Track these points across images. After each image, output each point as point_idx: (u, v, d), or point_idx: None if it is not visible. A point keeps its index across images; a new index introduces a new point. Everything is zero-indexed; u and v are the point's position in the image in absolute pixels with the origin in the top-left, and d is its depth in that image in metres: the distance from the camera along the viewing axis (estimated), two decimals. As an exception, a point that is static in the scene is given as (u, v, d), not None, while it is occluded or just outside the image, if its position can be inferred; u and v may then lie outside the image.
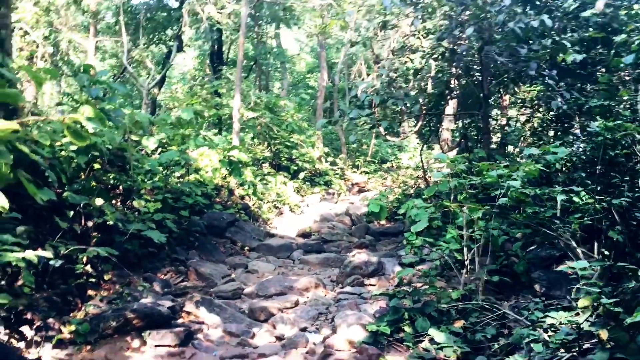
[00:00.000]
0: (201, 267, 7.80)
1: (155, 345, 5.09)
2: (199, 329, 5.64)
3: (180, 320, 5.85)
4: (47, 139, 3.75)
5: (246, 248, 9.53)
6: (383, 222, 13.17)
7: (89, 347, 4.98)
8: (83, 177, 7.04)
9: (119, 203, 8.32)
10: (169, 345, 5.12)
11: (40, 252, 4.95)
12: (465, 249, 5.97)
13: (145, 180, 8.61)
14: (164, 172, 8.95)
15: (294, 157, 15.22)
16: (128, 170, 8.34)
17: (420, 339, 4.89)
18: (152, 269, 7.50)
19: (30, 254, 4.78)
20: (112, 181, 8.13)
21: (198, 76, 22.02)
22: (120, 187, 8.38)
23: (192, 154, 11.71)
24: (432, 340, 4.77)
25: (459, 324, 4.88)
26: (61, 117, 3.69)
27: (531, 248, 7.41)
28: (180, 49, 20.17)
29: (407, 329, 5.05)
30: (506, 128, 14.62)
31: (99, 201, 6.71)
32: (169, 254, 7.99)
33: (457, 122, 17.58)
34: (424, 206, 5.92)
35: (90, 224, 7.10)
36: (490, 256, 6.02)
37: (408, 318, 5.13)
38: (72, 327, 5.09)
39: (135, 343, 5.09)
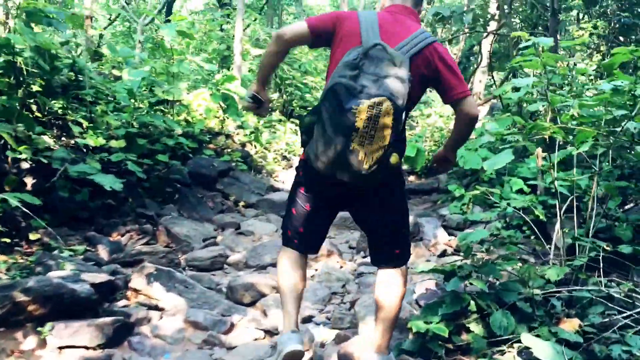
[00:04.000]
0: (175, 226, 5.81)
1: (61, 347, 3.11)
2: (145, 317, 3.66)
3: (121, 303, 3.88)
4: None
5: (241, 204, 7.51)
6: (412, 177, 11.09)
7: (-55, 350, 3.03)
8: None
9: (72, 140, 6.34)
10: (86, 347, 3.14)
11: None
12: (557, 205, 3.83)
13: (108, 111, 6.58)
14: (134, 102, 6.87)
15: (307, 103, 13.07)
16: (85, 98, 6.35)
17: (502, 348, 2.84)
18: (106, 226, 5.53)
19: None
20: (59, 110, 6.14)
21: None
22: (74, 118, 6.40)
23: (187, 97, 9.69)
24: (524, 351, 2.74)
25: (571, 325, 2.81)
26: None
27: (628, 206, 5.34)
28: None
29: (476, 328, 2.99)
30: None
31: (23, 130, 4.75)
32: (134, 207, 6.00)
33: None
34: (498, 133, 3.69)
35: (25, 165, 5.17)
36: (578, 216, 3.92)
37: (477, 310, 3.08)
38: None
39: (30, 342, 3.11)
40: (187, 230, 5.79)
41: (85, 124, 5.95)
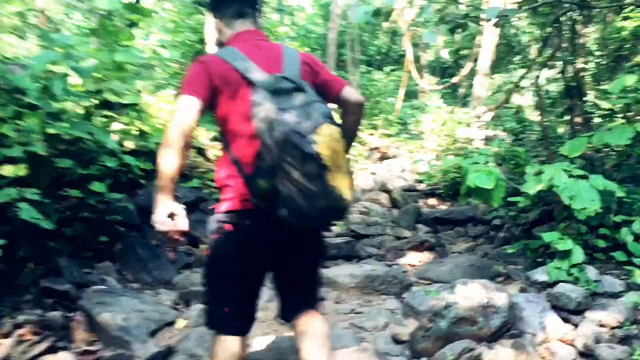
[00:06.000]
0: (104, 310, 3.45)
1: None
2: None
3: None
4: None
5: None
6: (433, 200, 8.86)
7: None
8: None
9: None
10: None
11: None
12: None
13: (6, 117, 4.22)
14: (52, 102, 4.48)
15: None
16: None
17: None
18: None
19: None
20: None
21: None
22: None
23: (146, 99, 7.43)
24: None
25: None
26: None
27: None
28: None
29: None
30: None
31: None
32: (37, 277, 3.64)
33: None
34: None
35: None
36: None
37: None
38: None
39: None
40: (124, 316, 3.45)
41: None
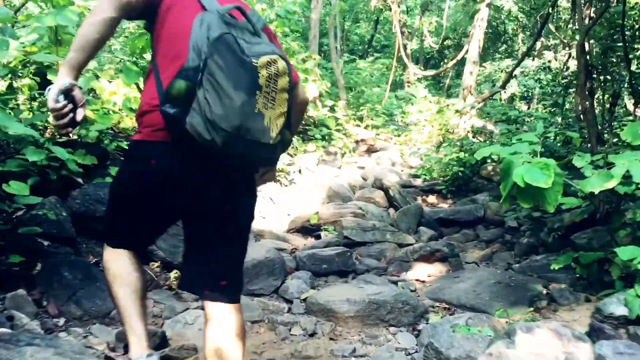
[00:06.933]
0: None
1: None
2: None
3: None
4: None
5: (174, 273, 4.03)
6: (433, 198, 7.82)
7: None
8: None
9: None
10: None
11: None
12: None
13: None
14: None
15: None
16: None
17: None
18: None
19: None
20: None
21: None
22: None
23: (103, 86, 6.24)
24: None
25: None
26: None
27: None
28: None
29: None
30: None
31: None
32: None
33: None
34: None
35: None
36: None
37: None
38: None
39: None
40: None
41: None
